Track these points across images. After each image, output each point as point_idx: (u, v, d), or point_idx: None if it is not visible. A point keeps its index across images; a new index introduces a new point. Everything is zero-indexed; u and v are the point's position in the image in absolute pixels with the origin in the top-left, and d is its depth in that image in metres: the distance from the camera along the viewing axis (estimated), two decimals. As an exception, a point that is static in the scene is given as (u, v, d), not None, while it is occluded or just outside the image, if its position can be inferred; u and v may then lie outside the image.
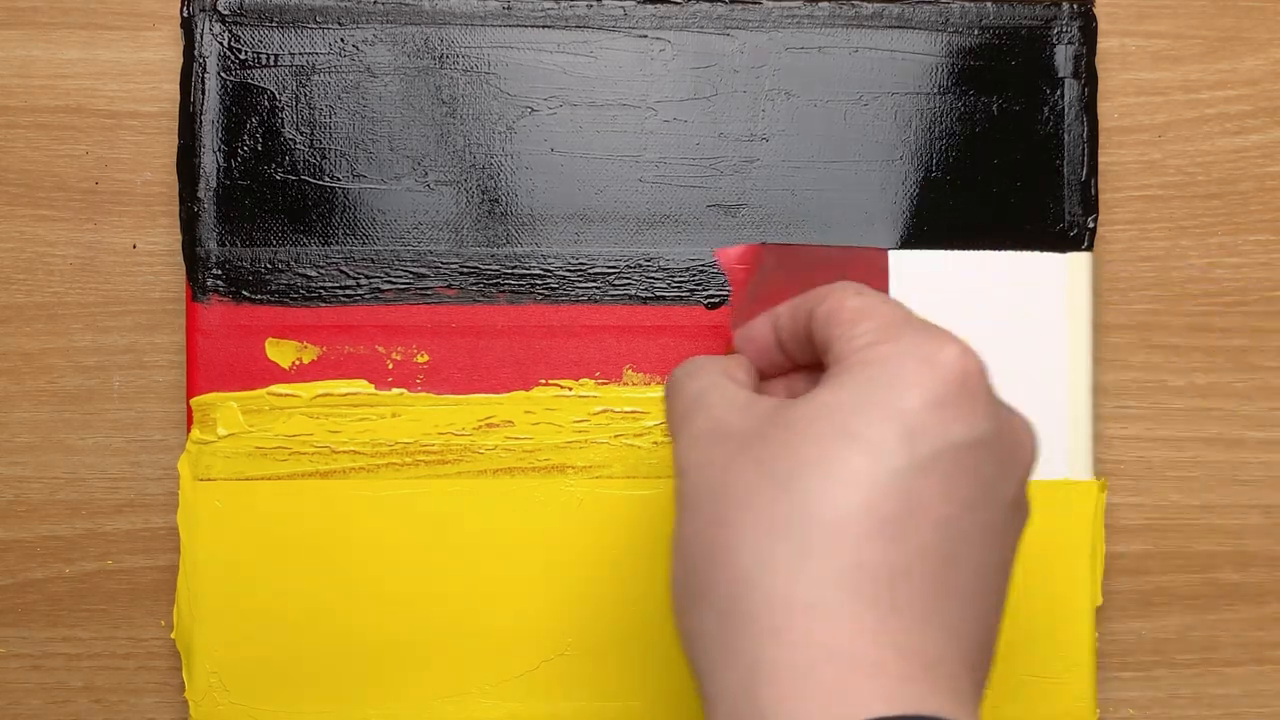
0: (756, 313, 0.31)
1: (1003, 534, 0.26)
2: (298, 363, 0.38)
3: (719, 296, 0.38)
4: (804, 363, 0.30)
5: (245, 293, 0.38)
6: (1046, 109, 0.39)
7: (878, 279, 0.38)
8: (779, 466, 0.25)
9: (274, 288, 0.38)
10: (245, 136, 0.38)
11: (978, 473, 0.25)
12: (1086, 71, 0.39)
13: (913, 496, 0.24)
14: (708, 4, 0.38)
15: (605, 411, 0.38)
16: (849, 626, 0.23)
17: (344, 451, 0.38)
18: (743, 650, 0.24)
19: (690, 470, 0.27)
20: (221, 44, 0.38)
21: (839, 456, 0.24)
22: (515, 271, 0.38)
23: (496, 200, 0.38)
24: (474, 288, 0.38)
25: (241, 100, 0.38)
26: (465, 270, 0.38)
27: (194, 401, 0.37)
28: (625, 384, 0.38)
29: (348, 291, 0.38)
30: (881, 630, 0.23)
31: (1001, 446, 0.26)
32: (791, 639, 0.23)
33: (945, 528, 0.24)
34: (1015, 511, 0.27)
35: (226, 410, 0.37)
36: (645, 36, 0.38)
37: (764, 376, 0.31)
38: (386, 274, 0.38)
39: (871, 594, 0.23)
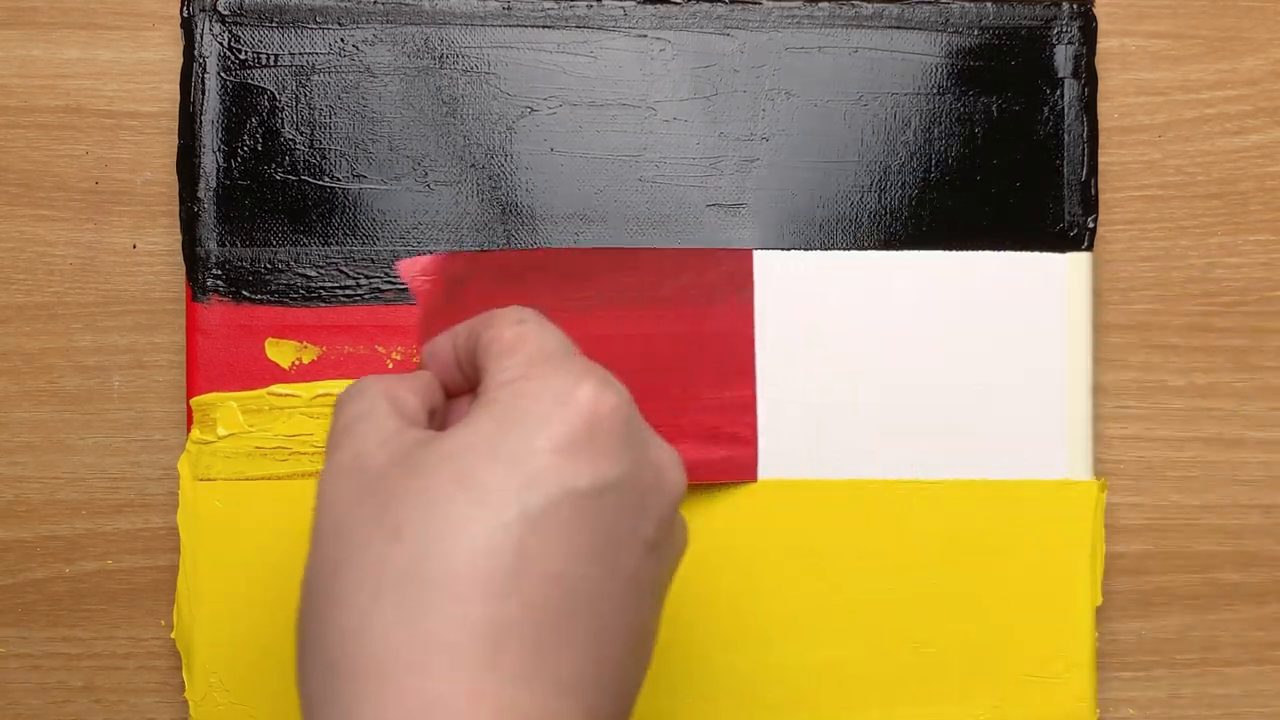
0: (448, 326, 0.30)
1: (635, 577, 0.25)
2: (298, 363, 0.38)
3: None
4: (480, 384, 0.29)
5: (245, 293, 0.38)
6: (1046, 109, 0.39)
7: (737, 282, 0.38)
8: (397, 512, 0.24)
9: (274, 288, 0.38)
10: (245, 136, 0.38)
11: (603, 519, 0.24)
12: (1086, 71, 0.39)
13: (525, 548, 0.23)
14: (708, 4, 0.38)
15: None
16: (446, 686, 0.22)
17: (344, 451, 0.38)
18: (340, 710, 0.23)
19: (321, 506, 0.25)
20: (221, 44, 0.38)
21: (452, 505, 0.23)
22: (515, 271, 0.38)
23: (496, 200, 0.38)
24: (474, 288, 0.38)
25: (241, 100, 0.38)
26: (465, 270, 0.38)
27: (194, 401, 0.37)
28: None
29: (348, 291, 0.38)
30: (481, 690, 0.22)
31: (635, 487, 0.25)
32: (386, 700, 0.22)
33: (561, 579, 0.24)
34: (655, 551, 0.26)
35: (226, 410, 0.37)
36: (645, 36, 0.38)
37: (451, 394, 0.29)
38: (386, 274, 0.38)
39: (472, 652, 0.23)
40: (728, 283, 0.38)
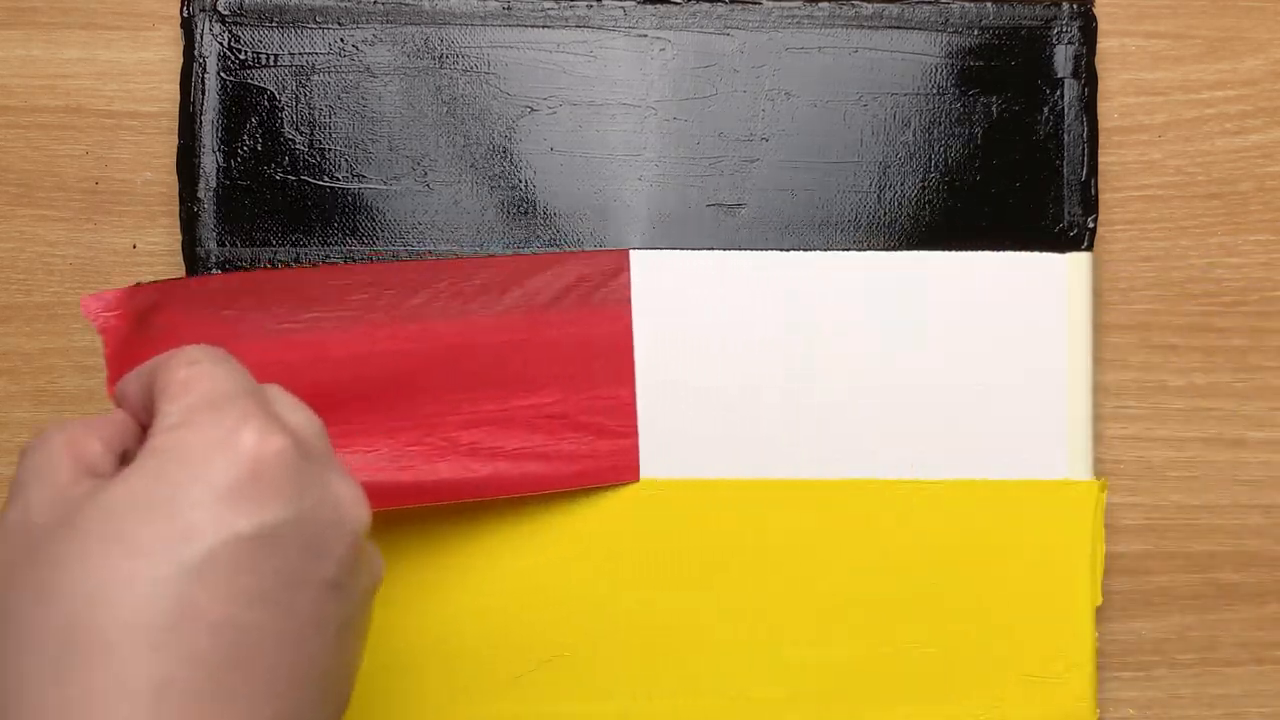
0: (142, 360, 0.29)
1: (317, 618, 0.25)
2: (297, 363, 0.38)
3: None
4: None
5: (245, 293, 0.38)
6: (1046, 109, 0.39)
7: (605, 282, 0.37)
8: (54, 572, 0.23)
9: (274, 288, 0.38)
10: (245, 136, 0.38)
11: (273, 562, 0.24)
12: (1086, 71, 0.39)
13: (186, 600, 0.23)
14: (708, 4, 0.38)
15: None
16: None
17: (344, 451, 0.38)
18: None
19: None
20: (221, 44, 0.38)
21: (107, 562, 0.23)
22: (515, 271, 0.38)
23: (496, 200, 0.38)
24: (474, 288, 0.38)
25: (241, 100, 0.38)
26: (465, 270, 0.38)
27: (194, 401, 0.37)
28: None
29: (347, 291, 0.38)
30: None
31: (310, 527, 0.25)
32: None
33: (229, 628, 0.23)
34: (339, 589, 0.26)
35: (226, 410, 0.37)
36: (645, 36, 0.38)
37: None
38: (386, 274, 0.38)
39: (129, 712, 0.22)
40: (569, 287, 0.37)
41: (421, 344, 0.36)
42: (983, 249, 0.38)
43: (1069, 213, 0.39)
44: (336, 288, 0.36)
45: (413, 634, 0.37)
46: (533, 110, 0.38)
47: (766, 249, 0.38)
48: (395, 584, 0.37)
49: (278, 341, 0.35)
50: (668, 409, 0.38)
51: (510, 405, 0.37)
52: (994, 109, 0.39)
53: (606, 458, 0.37)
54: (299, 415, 0.27)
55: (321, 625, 0.25)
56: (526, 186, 0.38)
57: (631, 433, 0.37)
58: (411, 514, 0.37)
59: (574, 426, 0.37)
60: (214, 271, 0.37)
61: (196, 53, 0.38)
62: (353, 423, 0.35)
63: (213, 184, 0.38)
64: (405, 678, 0.37)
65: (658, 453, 0.38)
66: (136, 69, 0.39)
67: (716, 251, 0.38)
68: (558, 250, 0.38)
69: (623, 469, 0.37)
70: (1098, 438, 0.39)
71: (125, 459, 0.27)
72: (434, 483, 0.36)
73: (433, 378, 0.36)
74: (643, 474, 0.38)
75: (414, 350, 0.36)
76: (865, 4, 0.39)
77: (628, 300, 0.37)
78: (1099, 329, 0.40)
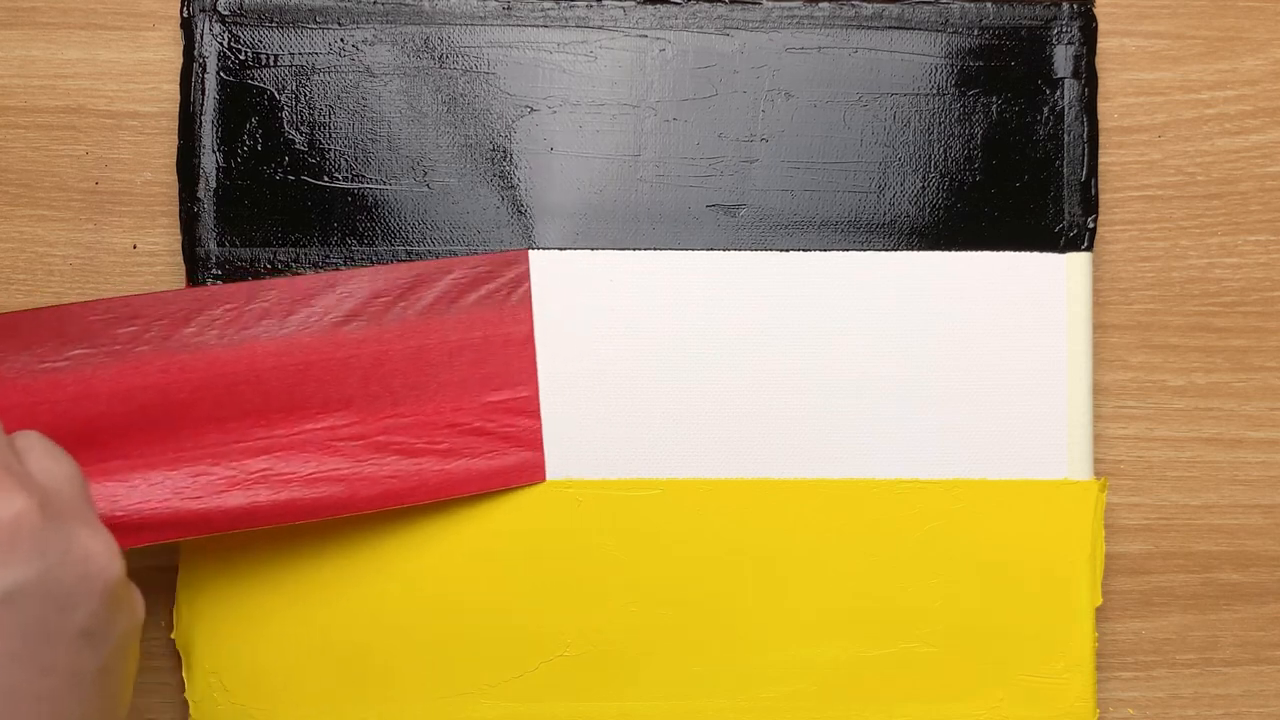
0: None
1: (74, 670, 0.26)
2: (297, 363, 0.37)
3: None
4: None
5: (245, 293, 0.38)
6: (1046, 109, 0.39)
7: (507, 285, 0.37)
8: None
9: (274, 288, 0.38)
10: (245, 136, 0.38)
11: (20, 621, 0.25)
12: (1086, 71, 0.39)
13: None
14: (708, 4, 0.38)
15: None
16: None
17: (343, 451, 0.38)
18: None
19: None
20: (221, 44, 0.38)
21: None
22: (515, 271, 0.38)
23: (496, 200, 0.38)
24: (474, 288, 0.38)
25: (241, 100, 0.38)
26: (465, 270, 0.38)
27: (193, 401, 0.37)
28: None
29: (347, 291, 0.38)
30: None
31: (55, 584, 0.26)
32: None
33: None
34: (92, 639, 0.26)
35: (226, 410, 0.37)
36: (645, 36, 0.38)
37: None
38: (386, 274, 0.38)
39: None
40: (364, 304, 0.37)
41: (197, 373, 0.36)
42: (983, 249, 0.38)
43: (1069, 213, 0.39)
44: (98, 323, 0.35)
45: (412, 634, 0.37)
46: (533, 110, 0.38)
47: (766, 250, 0.38)
48: (390, 582, 0.37)
49: (41, 382, 0.35)
50: (652, 411, 0.38)
51: (303, 429, 0.36)
52: (994, 109, 0.39)
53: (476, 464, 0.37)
54: (50, 465, 0.28)
55: (78, 675, 0.26)
56: (527, 187, 0.38)
57: (535, 437, 0.37)
58: (411, 510, 0.37)
59: (375, 447, 0.36)
60: (215, 272, 0.37)
61: (196, 53, 0.38)
62: (130, 457, 0.35)
63: (213, 184, 0.38)
64: (405, 677, 0.38)
65: (655, 453, 0.38)
66: (136, 69, 0.39)
67: (708, 252, 0.38)
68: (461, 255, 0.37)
69: (522, 472, 0.37)
70: (1098, 438, 0.39)
71: None
72: (223, 511, 0.35)
73: (214, 407, 0.36)
74: (641, 475, 0.38)
75: (190, 380, 0.35)
76: (865, 4, 0.39)
77: (528, 303, 0.37)
78: (1099, 329, 0.40)
